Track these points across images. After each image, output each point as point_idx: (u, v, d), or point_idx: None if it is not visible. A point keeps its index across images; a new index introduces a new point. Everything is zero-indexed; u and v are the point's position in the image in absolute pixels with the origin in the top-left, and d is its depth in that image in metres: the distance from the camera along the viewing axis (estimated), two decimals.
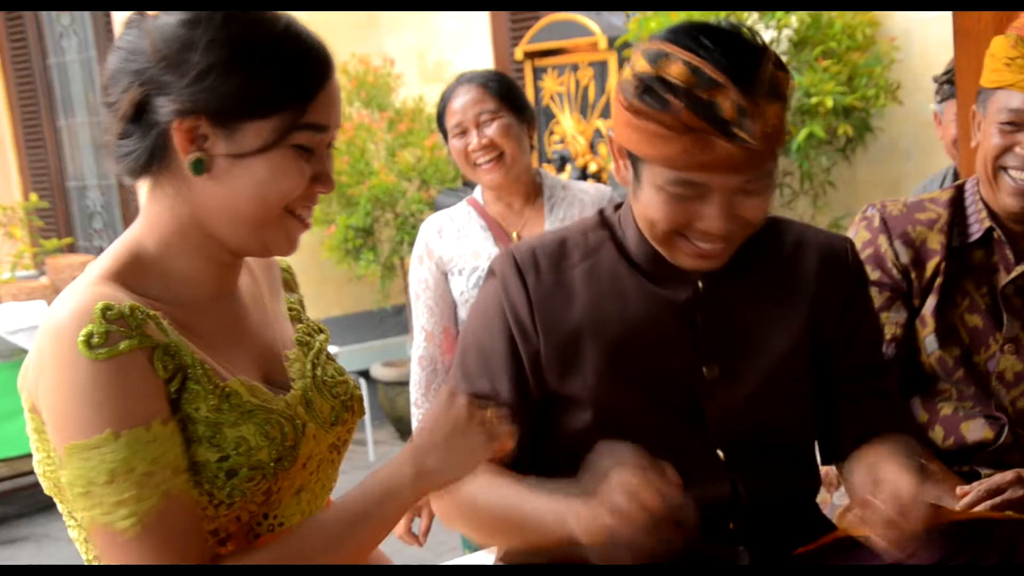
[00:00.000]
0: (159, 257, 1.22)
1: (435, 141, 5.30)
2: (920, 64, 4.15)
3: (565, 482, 1.35)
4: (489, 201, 2.66)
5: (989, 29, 2.05)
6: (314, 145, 1.21)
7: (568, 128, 5.00)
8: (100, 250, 7.21)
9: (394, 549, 1.54)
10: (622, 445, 1.28)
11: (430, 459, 1.24)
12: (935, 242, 1.84)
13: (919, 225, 1.85)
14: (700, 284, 1.48)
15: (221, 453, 1.16)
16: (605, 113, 4.83)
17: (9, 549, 4.59)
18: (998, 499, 1.67)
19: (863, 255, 1.83)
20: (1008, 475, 1.71)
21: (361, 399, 1.39)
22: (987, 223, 1.82)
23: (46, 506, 4.84)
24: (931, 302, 1.84)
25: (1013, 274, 1.82)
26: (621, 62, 4.65)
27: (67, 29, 7.46)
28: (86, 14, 7.17)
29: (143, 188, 1.25)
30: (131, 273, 1.20)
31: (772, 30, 4.07)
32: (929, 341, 1.84)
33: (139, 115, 1.18)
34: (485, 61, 5.71)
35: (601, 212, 1.56)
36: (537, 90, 5.10)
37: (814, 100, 3.91)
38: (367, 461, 5.22)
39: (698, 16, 3.85)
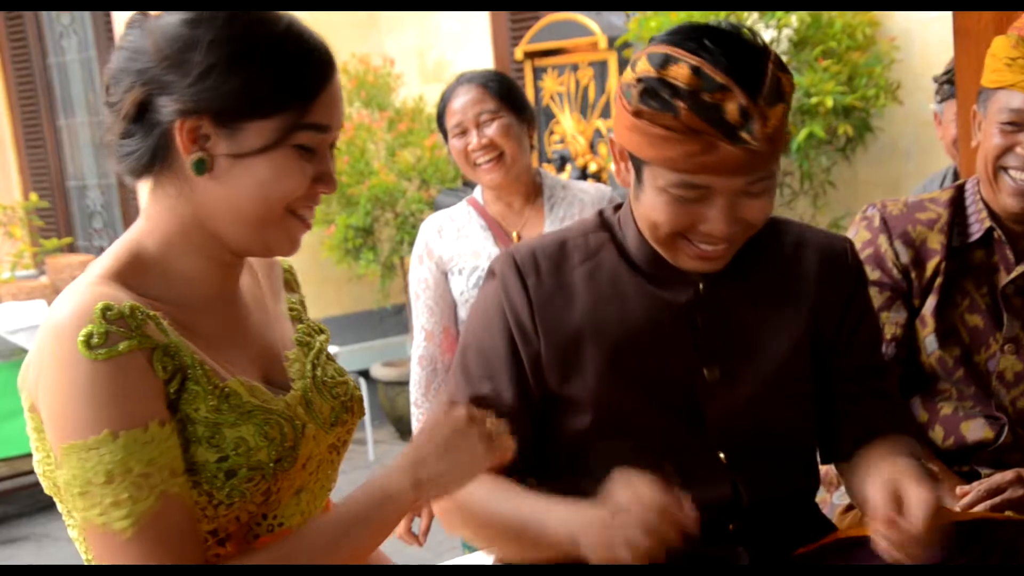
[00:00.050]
0: (160, 257, 1.22)
1: (435, 141, 5.30)
2: (920, 64, 4.15)
3: (572, 496, 1.35)
4: (489, 201, 2.66)
5: (989, 29, 2.05)
6: (316, 145, 1.21)
7: (568, 128, 5.00)
8: (100, 250, 7.22)
9: (394, 549, 1.54)
10: (638, 475, 1.27)
11: (428, 467, 1.23)
12: (935, 242, 1.84)
13: (919, 225, 1.85)
14: (701, 286, 1.48)
15: (220, 453, 1.16)
16: (605, 113, 4.83)
17: (9, 549, 4.59)
18: (998, 499, 1.68)
19: (863, 255, 1.83)
20: (1008, 475, 1.71)
21: (361, 400, 1.39)
22: (987, 223, 1.82)
23: (46, 506, 4.85)
24: (931, 302, 1.84)
25: (1013, 274, 1.82)
26: (621, 62, 4.65)
27: (67, 29, 7.46)
28: (86, 14, 7.17)
29: (144, 188, 1.25)
30: (132, 273, 1.20)
31: (772, 30, 4.07)
32: (929, 341, 1.84)
33: (141, 115, 1.18)
34: (485, 61, 5.71)
35: (601, 213, 1.56)
36: (537, 90, 5.10)
37: (814, 100, 3.91)
38: (367, 461, 5.22)
39: (698, 16, 3.85)
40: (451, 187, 5.24)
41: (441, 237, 2.65)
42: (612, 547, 1.24)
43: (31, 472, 4.65)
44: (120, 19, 6.49)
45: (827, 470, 1.89)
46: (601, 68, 4.84)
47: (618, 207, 1.55)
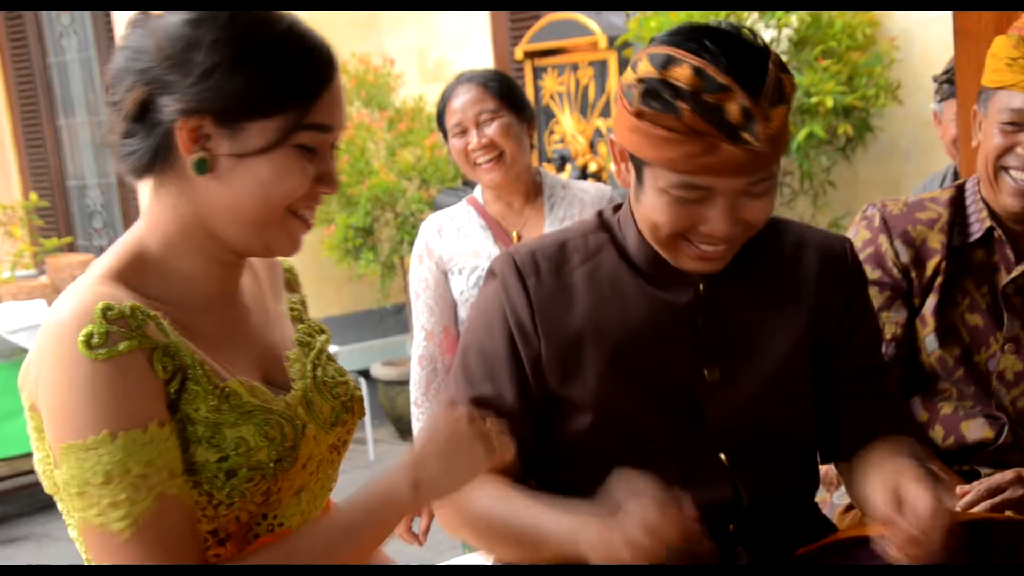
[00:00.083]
0: (162, 257, 1.22)
1: (435, 140, 5.30)
2: (920, 64, 4.15)
3: (572, 498, 1.35)
4: (489, 200, 2.66)
5: (989, 29, 2.05)
6: (317, 145, 1.20)
7: (568, 127, 5.00)
8: (100, 249, 7.23)
9: (394, 549, 1.54)
10: (638, 476, 1.27)
11: (428, 471, 1.23)
12: (935, 241, 1.84)
13: (919, 224, 1.85)
14: (701, 286, 1.47)
15: (221, 453, 1.16)
16: (605, 112, 4.83)
17: (9, 548, 4.59)
18: (998, 498, 1.68)
19: (863, 254, 1.83)
20: (1008, 474, 1.71)
21: (361, 400, 1.38)
22: (988, 222, 1.82)
23: (46, 505, 4.85)
24: (931, 301, 1.84)
25: (1014, 273, 1.82)
26: (621, 61, 4.65)
27: (67, 28, 7.47)
28: (86, 14, 7.18)
29: (145, 188, 1.25)
30: (133, 272, 1.20)
31: (772, 29, 4.07)
32: (929, 340, 1.84)
33: (143, 114, 1.17)
34: (485, 60, 5.72)
35: (600, 214, 1.55)
36: (537, 89, 5.10)
37: (814, 100, 3.91)
38: (367, 460, 5.22)
39: (698, 16, 3.85)
40: (451, 187, 5.24)
41: (441, 237, 2.65)
42: (613, 548, 1.24)
43: (31, 472, 4.64)
44: (120, 19, 6.49)
45: (827, 470, 1.89)
46: (601, 68, 4.84)
47: (617, 207, 1.55)
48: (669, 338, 1.47)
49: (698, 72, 1.29)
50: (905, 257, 1.84)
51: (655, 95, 1.32)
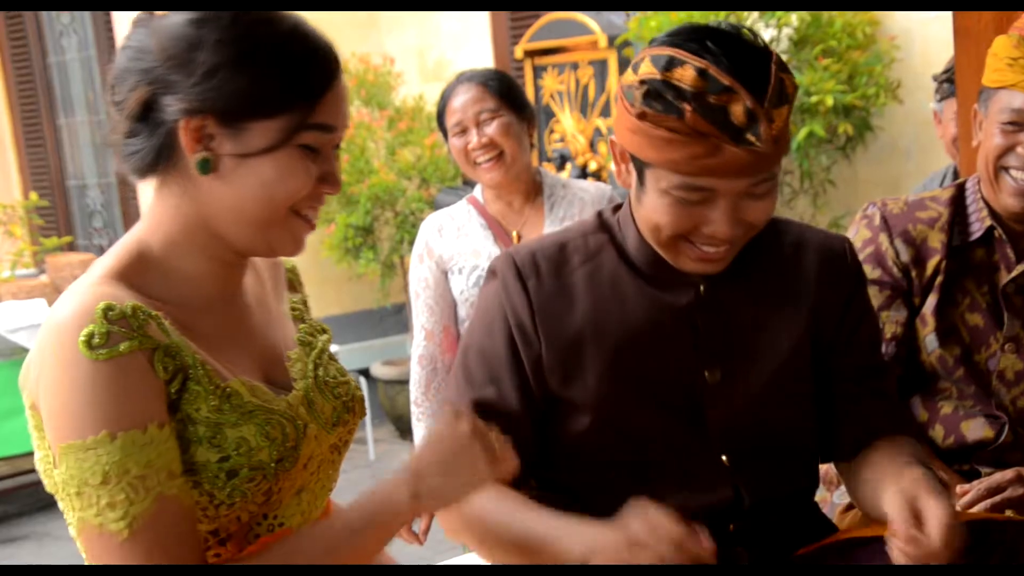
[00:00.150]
0: (164, 256, 1.22)
1: (435, 140, 5.30)
2: (920, 63, 4.15)
3: (573, 500, 1.35)
4: (489, 200, 2.66)
5: (989, 28, 2.05)
6: (320, 145, 1.20)
7: (568, 127, 5.00)
8: (100, 248, 7.24)
9: (394, 548, 1.53)
10: (652, 506, 1.27)
11: (429, 479, 1.23)
12: (936, 241, 1.84)
13: (920, 224, 1.85)
14: (701, 287, 1.47)
15: (222, 454, 1.16)
16: (605, 112, 4.83)
17: (10, 548, 4.59)
18: (998, 498, 1.68)
19: (864, 253, 1.83)
20: (1008, 474, 1.71)
21: (362, 400, 1.38)
22: (988, 222, 1.82)
23: (47, 504, 4.85)
24: (932, 301, 1.83)
25: (1014, 273, 1.81)
26: (621, 61, 4.65)
27: (67, 28, 7.47)
28: (86, 13, 7.18)
29: (147, 187, 1.25)
30: (135, 272, 1.20)
31: (772, 29, 4.07)
32: (929, 340, 1.84)
33: (146, 114, 1.17)
34: (485, 60, 5.72)
35: (600, 215, 1.55)
36: (537, 89, 5.10)
37: (814, 99, 3.91)
38: (367, 460, 5.22)
39: (698, 16, 3.85)
40: (451, 186, 5.25)
41: (441, 236, 2.65)
42: (622, 553, 1.24)
43: (32, 471, 4.64)
44: (120, 19, 6.49)
45: (827, 469, 1.89)
46: (601, 67, 4.84)
47: (617, 208, 1.55)
48: (669, 339, 1.47)
49: (701, 73, 1.29)
50: (905, 256, 1.84)
51: (658, 96, 1.31)
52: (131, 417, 1.11)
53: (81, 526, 1.12)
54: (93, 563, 1.14)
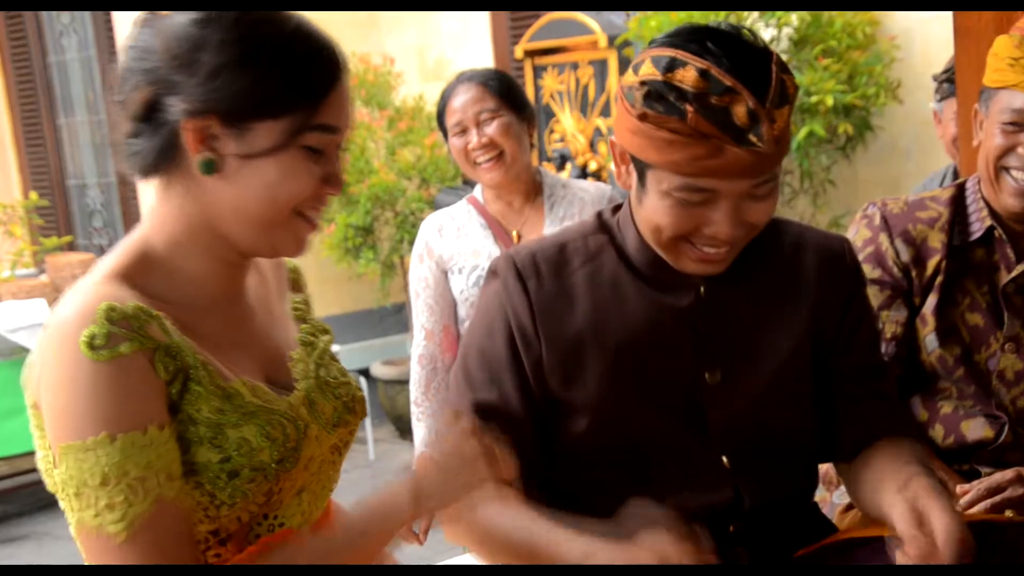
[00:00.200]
0: (167, 257, 1.22)
1: (435, 139, 5.30)
2: (920, 63, 4.15)
3: (573, 502, 1.35)
4: (489, 200, 2.66)
5: (989, 28, 2.05)
6: (324, 146, 1.20)
7: (568, 126, 5.00)
8: (100, 248, 7.24)
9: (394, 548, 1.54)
10: (653, 508, 1.27)
11: (429, 484, 1.23)
12: (936, 240, 1.84)
13: (920, 223, 1.85)
14: (702, 289, 1.47)
15: (223, 454, 1.16)
16: (605, 111, 4.83)
17: (9, 547, 4.59)
18: (998, 497, 1.68)
19: (864, 253, 1.83)
20: (1008, 474, 1.71)
21: (363, 400, 1.38)
22: (988, 222, 1.82)
23: (47, 504, 4.85)
24: (932, 301, 1.83)
25: (1014, 273, 1.81)
26: (621, 60, 4.65)
27: (67, 28, 7.47)
28: (86, 13, 7.18)
29: (148, 187, 1.25)
30: (138, 272, 1.19)
31: (772, 29, 4.07)
32: (929, 340, 1.84)
33: (150, 114, 1.17)
34: (485, 59, 5.72)
35: (599, 215, 1.54)
36: (537, 88, 5.10)
37: (814, 99, 3.91)
38: (367, 460, 5.22)
39: (698, 16, 3.85)
40: (451, 186, 5.25)
41: (441, 236, 2.65)
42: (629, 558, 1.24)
43: (32, 471, 4.64)
44: (120, 19, 6.49)
45: (827, 469, 1.89)
46: (601, 67, 4.84)
47: (616, 209, 1.54)
48: (670, 340, 1.47)
49: (703, 74, 1.29)
50: (905, 256, 1.84)
51: (659, 97, 1.31)
52: (131, 418, 1.11)
53: (80, 527, 1.12)
54: (91, 563, 1.14)
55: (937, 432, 1.87)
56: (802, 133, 3.94)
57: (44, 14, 7.51)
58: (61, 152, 7.79)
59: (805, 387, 1.53)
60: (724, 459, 1.48)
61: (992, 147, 1.75)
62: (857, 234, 1.88)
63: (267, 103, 1.16)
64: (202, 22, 1.16)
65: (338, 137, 1.22)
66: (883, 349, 1.76)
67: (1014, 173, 1.74)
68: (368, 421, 5.31)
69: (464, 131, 2.57)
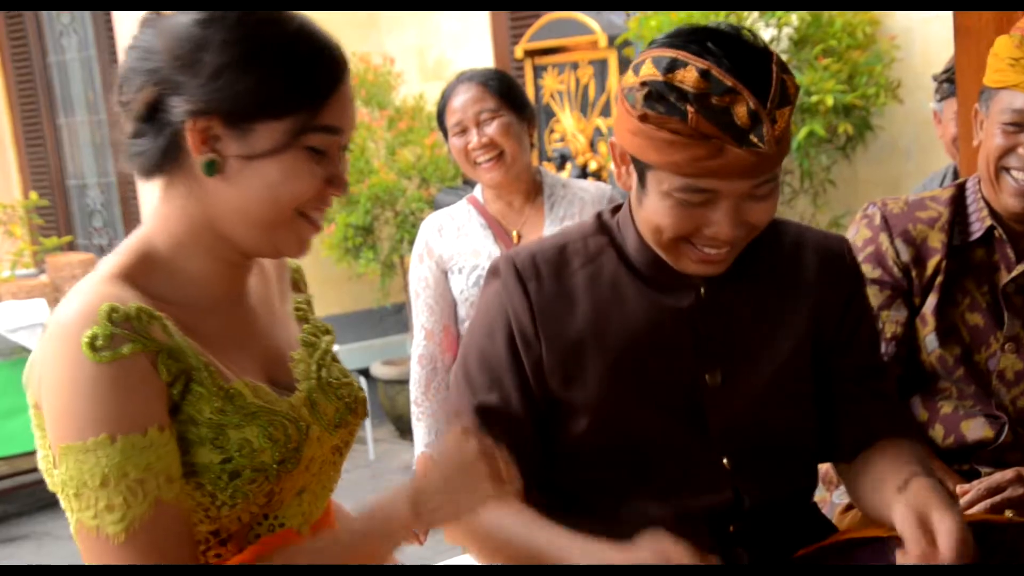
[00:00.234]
0: (170, 257, 1.22)
1: (435, 139, 5.30)
2: (921, 62, 4.15)
3: (574, 503, 1.35)
4: (489, 199, 2.66)
5: (990, 28, 2.05)
6: (326, 147, 1.20)
7: (568, 126, 5.00)
8: (100, 248, 7.23)
9: None
10: (661, 534, 1.27)
11: (430, 498, 1.23)
12: (936, 240, 1.84)
13: (920, 223, 1.85)
14: (702, 290, 1.47)
15: (224, 455, 1.16)
16: (605, 111, 4.83)
17: (9, 547, 4.59)
18: (998, 497, 1.68)
19: (864, 253, 1.83)
20: (1008, 474, 1.71)
21: (365, 401, 1.38)
22: (988, 222, 1.82)
23: (46, 504, 4.84)
24: (932, 300, 1.83)
25: (1014, 273, 1.81)
26: (621, 60, 4.65)
27: (67, 27, 7.47)
28: (86, 13, 7.18)
29: (148, 187, 1.24)
30: (140, 272, 1.19)
31: (772, 28, 4.07)
32: (930, 340, 1.84)
33: (152, 115, 1.17)
34: (485, 59, 5.72)
35: (599, 216, 1.54)
36: (537, 88, 5.10)
37: (814, 98, 3.91)
38: (367, 460, 5.22)
39: (698, 16, 3.85)
40: (451, 186, 5.25)
41: (441, 236, 2.65)
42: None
43: (32, 470, 4.64)
44: (120, 19, 6.48)
45: (827, 469, 1.89)
46: (601, 66, 4.84)
47: (616, 209, 1.54)
48: (670, 341, 1.47)
49: (704, 75, 1.29)
50: (905, 256, 1.83)
51: (660, 98, 1.31)
52: (132, 420, 1.10)
53: (78, 527, 1.12)
54: (90, 564, 1.14)
55: (937, 432, 1.87)
56: (802, 133, 3.94)
57: (44, 14, 7.51)
58: (61, 152, 7.79)
59: (805, 387, 1.53)
60: (724, 460, 1.48)
61: (992, 147, 1.75)
62: (857, 234, 1.88)
63: (269, 104, 1.15)
64: (205, 22, 1.16)
65: (341, 138, 1.21)
66: (883, 349, 1.76)
67: (1014, 173, 1.74)
68: (368, 421, 5.31)
69: (464, 131, 2.57)
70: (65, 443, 1.10)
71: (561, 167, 4.91)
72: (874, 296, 1.79)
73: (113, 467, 1.09)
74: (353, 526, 1.23)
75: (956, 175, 2.69)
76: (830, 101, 3.89)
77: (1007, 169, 1.75)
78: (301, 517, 1.28)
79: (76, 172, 7.77)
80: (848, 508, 1.91)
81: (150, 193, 1.25)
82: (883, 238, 1.85)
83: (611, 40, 4.67)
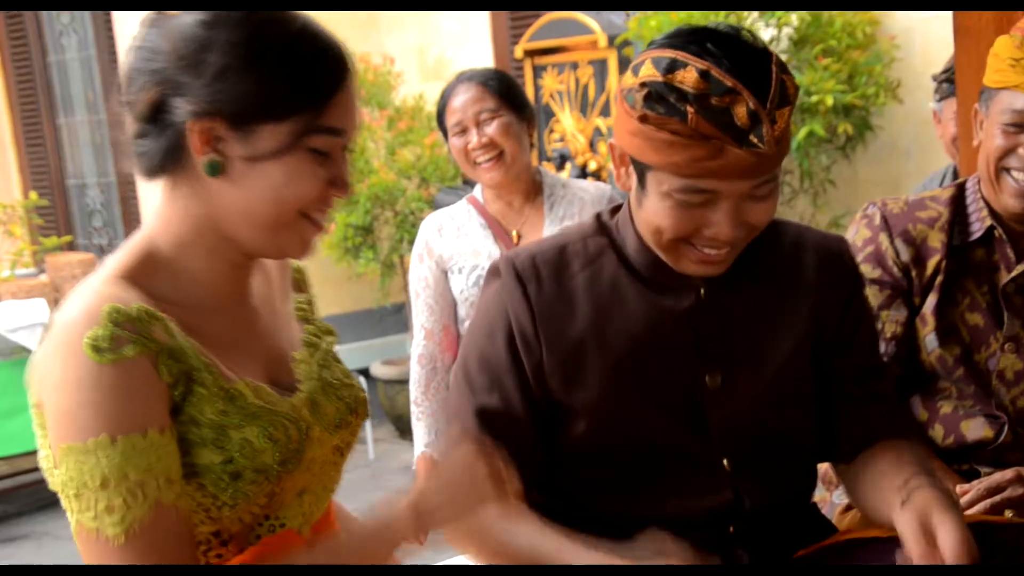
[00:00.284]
0: (173, 257, 1.22)
1: (435, 139, 5.30)
2: (920, 62, 4.15)
3: (574, 504, 1.35)
4: (489, 199, 2.66)
5: (990, 28, 2.05)
6: (330, 148, 1.20)
7: (568, 126, 5.00)
8: (100, 248, 7.23)
9: None
10: (663, 536, 1.27)
11: (431, 503, 1.23)
12: (936, 240, 1.84)
13: (920, 223, 1.85)
14: (702, 291, 1.47)
15: (225, 456, 1.16)
16: (605, 111, 4.83)
17: (9, 547, 4.59)
18: (998, 497, 1.68)
19: (864, 253, 1.83)
20: (1008, 474, 1.71)
21: (366, 402, 1.38)
22: (988, 222, 1.82)
23: (47, 504, 4.84)
24: (932, 300, 1.83)
25: (1014, 273, 1.81)
26: (621, 60, 4.66)
27: (67, 27, 7.46)
28: (86, 13, 7.18)
29: (149, 187, 1.24)
30: (143, 273, 1.19)
31: (772, 28, 4.07)
32: (929, 339, 1.84)
33: (156, 115, 1.17)
34: (485, 59, 5.72)
35: (599, 217, 1.54)
36: (537, 88, 5.10)
37: (814, 98, 3.91)
38: (367, 460, 5.22)
39: (698, 16, 3.85)
40: (451, 185, 5.25)
41: (441, 236, 2.65)
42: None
43: (32, 470, 4.64)
44: (120, 19, 6.49)
45: (826, 469, 1.89)
46: (601, 66, 4.84)
47: (615, 210, 1.54)
48: (670, 343, 1.46)
49: (704, 75, 1.28)
50: (905, 256, 1.83)
51: (660, 99, 1.31)
52: (133, 421, 1.10)
53: (79, 528, 1.12)
54: (89, 564, 1.14)
55: (937, 432, 1.87)
56: (802, 133, 3.94)
57: (44, 14, 7.51)
58: (61, 152, 7.79)
59: (805, 388, 1.53)
60: (724, 461, 1.48)
61: (992, 148, 1.75)
62: (857, 234, 1.88)
63: (272, 106, 1.15)
64: (209, 23, 1.15)
65: (344, 139, 1.21)
66: (883, 349, 1.76)
67: (1015, 174, 1.74)
68: (368, 421, 5.30)
69: (464, 131, 2.57)
70: (66, 443, 1.10)
71: (561, 167, 4.91)
72: (874, 296, 1.79)
73: (113, 468, 1.09)
74: (354, 531, 1.23)
75: (956, 175, 2.69)
76: (830, 101, 3.89)
77: (1007, 169, 1.75)
78: (302, 518, 1.28)
79: (76, 172, 7.77)
80: (848, 508, 1.91)
81: (151, 193, 1.25)
82: (883, 238, 1.85)
83: (611, 40, 4.67)
